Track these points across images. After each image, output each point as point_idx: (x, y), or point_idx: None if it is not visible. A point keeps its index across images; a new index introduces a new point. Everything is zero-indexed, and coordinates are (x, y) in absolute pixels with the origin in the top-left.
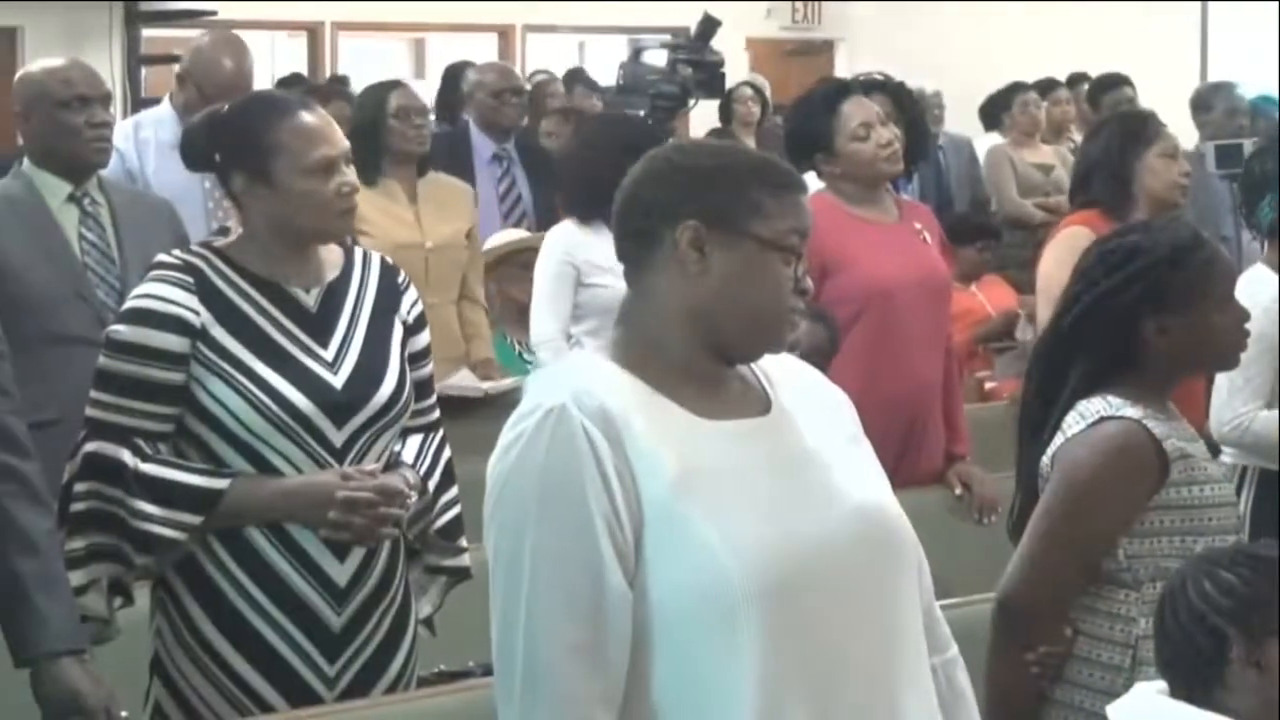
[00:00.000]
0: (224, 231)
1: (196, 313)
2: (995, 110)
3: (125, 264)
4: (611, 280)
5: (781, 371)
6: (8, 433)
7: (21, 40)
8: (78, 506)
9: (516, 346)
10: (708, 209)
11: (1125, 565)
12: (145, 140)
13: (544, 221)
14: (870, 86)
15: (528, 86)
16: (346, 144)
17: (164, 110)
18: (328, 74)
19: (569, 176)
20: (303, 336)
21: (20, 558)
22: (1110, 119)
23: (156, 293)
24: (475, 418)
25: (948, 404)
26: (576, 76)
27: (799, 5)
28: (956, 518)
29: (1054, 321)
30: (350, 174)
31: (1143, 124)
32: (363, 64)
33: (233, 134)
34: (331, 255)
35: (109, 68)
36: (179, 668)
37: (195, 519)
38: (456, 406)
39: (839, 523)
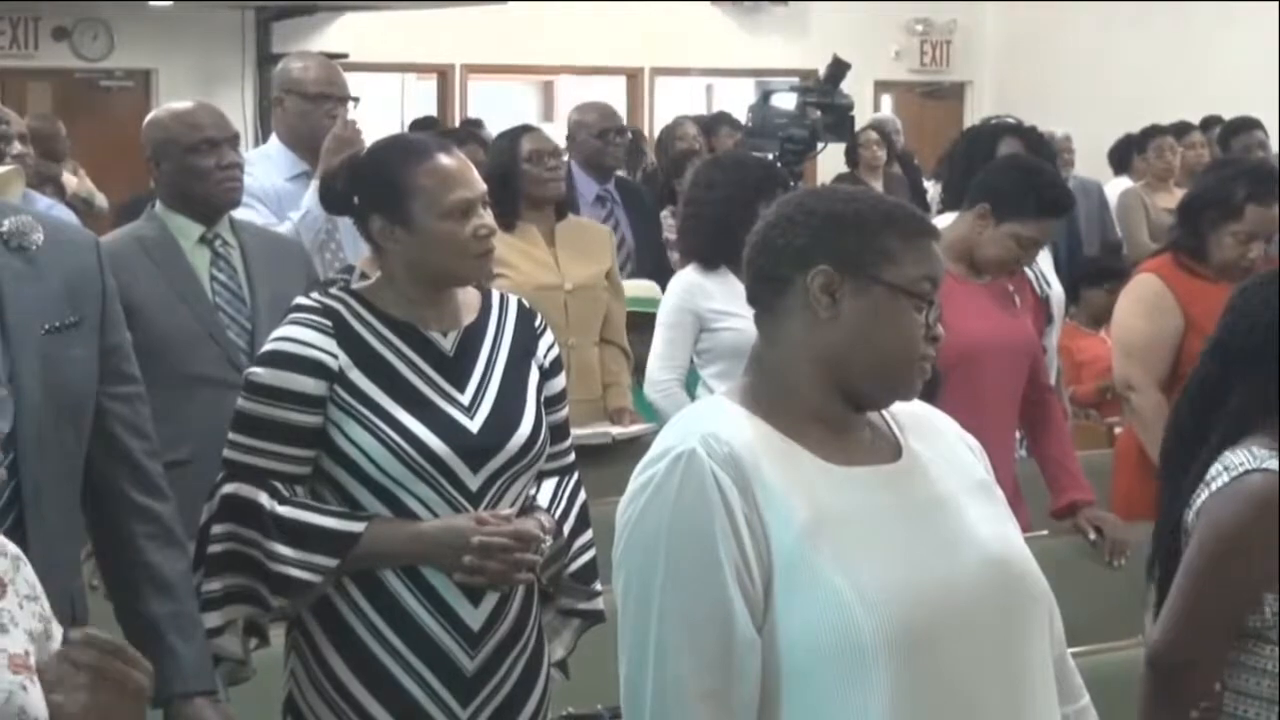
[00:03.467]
0: (348, 271)
1: (335, 356)
2: (1125, 154)
3: (256, 305)
4: (736, 323)
5: (912, 417)
6: (144, 474)
7: (155, 83)
8: (215, 548)
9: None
10: (839, 254)
11: (1272, 622)
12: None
13: (646, 262)
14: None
15: (626, 125)
16: (484, 187)
17: (272, 147)
18: (457, 116)
19: (692, 220)
20: (440, 380)
21: (155, 599)
22: (1221, 165)
23: (295, 336)
24: (606, 461)
25: (1060, 452)
26: (721, 119)
27: (927, 48)
28: (1087, 562)
29: (1202, 368)
30: (487, 216)
31: (1235, 193)
32: (492, 106)
33: (371, 177)
34: (469, 298)
35: (241, 109)
36: (312, 709)
37: (331, 562)
38: (587, 451)
39: (970, 570)
